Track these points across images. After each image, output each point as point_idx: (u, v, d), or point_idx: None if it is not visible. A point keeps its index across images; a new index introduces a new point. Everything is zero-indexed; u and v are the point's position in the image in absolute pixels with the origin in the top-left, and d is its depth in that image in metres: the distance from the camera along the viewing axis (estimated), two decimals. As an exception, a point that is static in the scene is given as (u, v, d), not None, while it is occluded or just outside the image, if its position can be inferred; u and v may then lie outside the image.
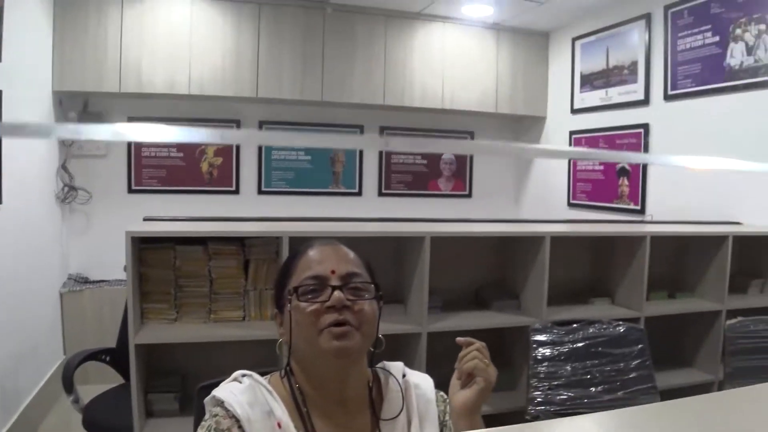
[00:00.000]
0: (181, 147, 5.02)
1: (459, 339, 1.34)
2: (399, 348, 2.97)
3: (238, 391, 1.17)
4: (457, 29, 5.27)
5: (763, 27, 3.63)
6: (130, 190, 4.91)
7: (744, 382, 2.82)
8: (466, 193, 5.90)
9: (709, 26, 3.99)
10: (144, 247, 2.65)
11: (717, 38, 3.93)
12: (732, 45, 3.83)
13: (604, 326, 2.93)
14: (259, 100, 4.94)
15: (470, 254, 3.30)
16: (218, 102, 4.98)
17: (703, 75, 4.03)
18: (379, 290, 1.25)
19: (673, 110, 4.30)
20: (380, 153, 5.61)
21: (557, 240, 3.08)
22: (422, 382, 1.34)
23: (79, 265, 4.70)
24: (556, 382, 2.77)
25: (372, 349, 1.25)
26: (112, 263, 4.14)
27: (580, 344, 2.88)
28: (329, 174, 5.48)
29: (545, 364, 2.79)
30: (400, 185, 5.70)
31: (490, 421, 3.15)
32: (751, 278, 3.55)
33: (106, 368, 3.09)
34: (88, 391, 2.98)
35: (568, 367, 2.81)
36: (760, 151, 3.65)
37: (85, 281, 4.50)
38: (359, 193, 5.58)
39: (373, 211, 5.38)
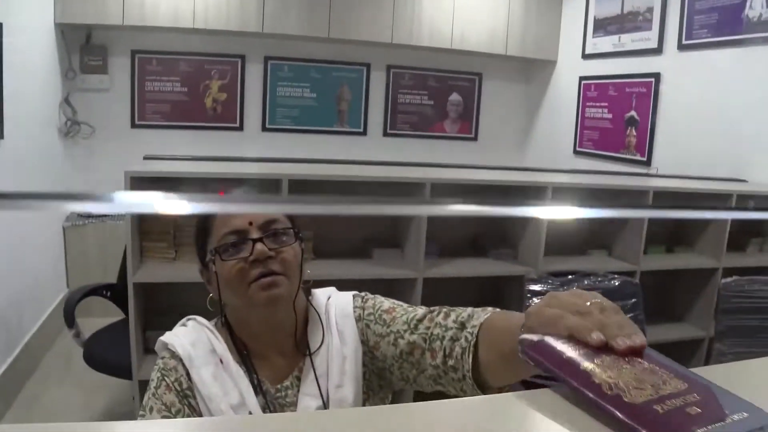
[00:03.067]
0: (185, 82, 4.97)
1: None
2: (395, 293, 2.99)
3: (182, 334, 1.26)
4: (469, -33, 5.13)
5: (784, -22, 3.52)
6: (134, 125, 4.88)
7: (734, 341, 2.85)
8: (472, 136, 5.85)
9: (728, -27, 3.86)
10: (143, 188, 2.65)
11: (736, -13, 3.81)
12: (752, -5, 3.72)
13: (599, 279, 2.95)
14: (264, 35, 4.85)
15: (470, 201, 3.29)
16: (224, 36, 4.90)
17: (720, 25, 3.92)
18: (299, 232, 1.27)
19: (687, 60, 4.21)
20: (386, 92, 5.54)
21: (559, 190, 3.07)
22: (341, 299, 1.34)
23: (83, 199, 4.69)
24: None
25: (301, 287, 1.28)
26: (115, 198, 4.14)
27: (574, 295, 2.89)
28: (334, 112, 5.43)
29: (539, 313, 2.82)
30: (406, 125, 5.65)
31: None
32: (751, 236, 3.54)
33: (108, 302, 3.14)
34: (89, 324, 3.03)
35: (562, 318, 2.84)
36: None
37: (89, 216, 4.52)
38: (364, 133, 5.54)
39: (377, 152, 5.35)
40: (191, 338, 1.24)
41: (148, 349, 2.72)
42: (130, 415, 3.06)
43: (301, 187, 2.77)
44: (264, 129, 5.25)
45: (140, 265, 2.63)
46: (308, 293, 1.34)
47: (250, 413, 1.18)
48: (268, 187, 2.77)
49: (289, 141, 5.28)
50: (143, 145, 4.52)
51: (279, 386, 1.25)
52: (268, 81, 5.19)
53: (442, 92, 5.71)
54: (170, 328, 2.69)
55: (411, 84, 5.60)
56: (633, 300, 2.97)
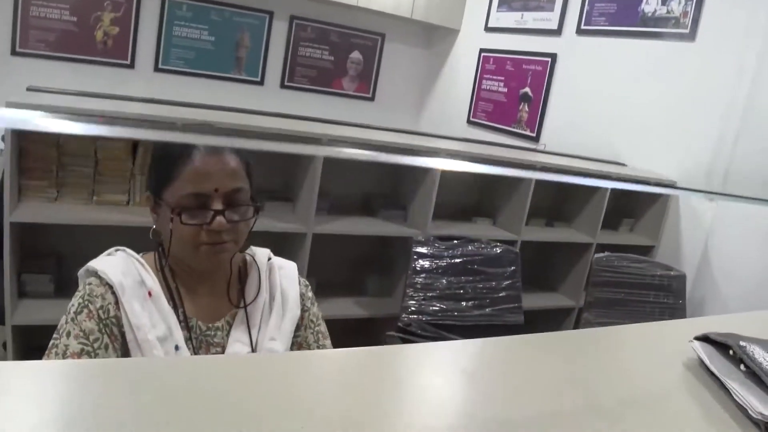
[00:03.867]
0: (74, 11, 4.66)
1: None
2: (284, 247, 3.00)
3: (113, 262, 1.24)
4: (381, -75, 5.08)
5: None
6: (14, 52, 4.53)
7: (600, 311, 3.06)
8: (369, 96, 5.87)
9: (632, -32, 4.03)
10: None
11: (638, -18, 3.99)
12: (650, -8, 3.91)
13: (483, 246, 3.07)
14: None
15: (363, 160, 3.31)
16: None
17: (618, 16, 4.11)
18: (258, 204, 1.28)
19: (583, 45, 4.38)
20: (287, 43, 5.44)
21: (451, 157, 3.13)
22: (286, 265, 1.43)
23: (-48, 126, 4.34)
24: (431, 294, 2.91)
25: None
26: (-10, 128, 3.88)
27: (457, 260, 3.01)
28: (232, 59, 5.28)
29: (423, 275, 2.92)
30: (304, 79, 5.58)
31: (365, 324, 3.29)
32: (624, 217, 3.78)
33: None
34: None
35: (444, 281, 2.95)
36: (656, 97, 3.80)
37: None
38: (261, 83, 5.43)
39: (273, 103, 5.26)
40: (121, 267, 1.23)
41: (23, 293, 2.60)
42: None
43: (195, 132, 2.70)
44: (156, 69, 5.03)
45: (18, 203, 2.50)
46: (245, 247, 1.36)
47: (177, 347, 1.21)
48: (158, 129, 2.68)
49: (183, 83, 5.10)
50: (24, 74, 4.25)
51: (210, 325, 1.29)
52: (164, 19, 4.96)
53: (344, 49, 5.67)
54: (47, 272, 2.60)
55: (313, 37, 5.52)
56: (512, 268, 3.12)
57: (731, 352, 0.91)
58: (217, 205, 1.20)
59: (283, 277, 1.39)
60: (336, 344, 1.41)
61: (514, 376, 0.90)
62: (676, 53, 3.74)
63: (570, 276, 3.63)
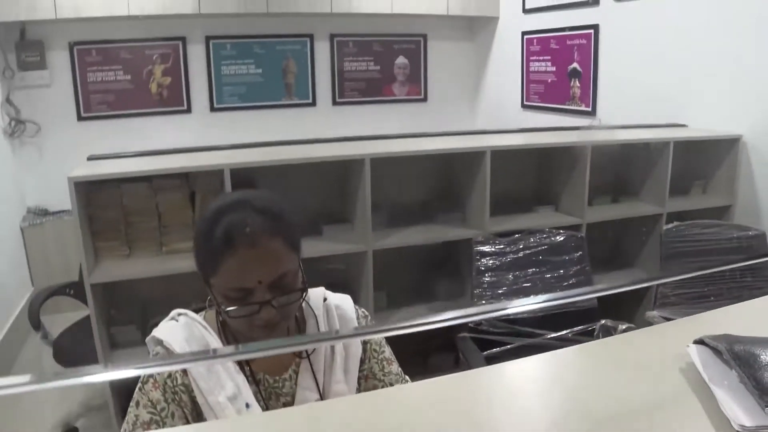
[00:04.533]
0: (128, 69, 4.91)
1: None
2: (347, 267, 3.07)
3: (176, 330, 1.29)
4: (403, -71, 5.11)
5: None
6: (80, 118, 4.82)
7: (676, 283, 2.97)
8: (422, 97, 5.89)
9: None
10: (89, 189, 2.67)
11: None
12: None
13: (545, 236, 3.04)
14: (203, 16, 4.79)
15: (414, 169, 3.35)
16: (162, 20, 4.83)
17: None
18: (305, 285, 1.27)
19: (623, 11, 4.26)
20: (332, 61, 5.54)
21: (499, 152, 3.13)
22: (342, 302, 1.43)
23: (37, 198, 4.64)
24: (499, 291, 2.91)
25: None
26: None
27: (521, 254, 2.99)
28: (281, 86, 5.42)
29: (488, 274, 2.92)
30: (354, 93, 5.66)
31: (436, 330, 3.32)
32: (694, 179, 3.64)
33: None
34: (60, 320, 3.10)
35: (510, 276, 2.95)
36: (710, 49, 3.65)
37: (45, 213, 4.50)
38: (313, 104, 5.54)
39: (327, 122, 5.40)
40: (185, 334, 1.27)
41: (115, 344, 2.78)
42: (105, 407, 3.14)
43: (248, 174, 2.83)
44: (213, 109, 5.23)
45: (96, 265, 2.67)
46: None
47: (248, 404, 1.24)
48: (211, 177, 2.79)
49: (239, 118, 5.27)
50: (91, 137, 4.55)
51: (277, 377, 1.31)
52: (211, 61, 5.15)
53: (388, 56, 5.72)
54: (133, 322, 2.77)
55: (356, 51, 5.60)
56: (578, 253, 3.07)
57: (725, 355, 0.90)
58: (263, 296, 1.18)
59: (340, 317, 1.40)
60: (412, 352, 1.40)
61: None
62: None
63: (644, 249, 3.54)
